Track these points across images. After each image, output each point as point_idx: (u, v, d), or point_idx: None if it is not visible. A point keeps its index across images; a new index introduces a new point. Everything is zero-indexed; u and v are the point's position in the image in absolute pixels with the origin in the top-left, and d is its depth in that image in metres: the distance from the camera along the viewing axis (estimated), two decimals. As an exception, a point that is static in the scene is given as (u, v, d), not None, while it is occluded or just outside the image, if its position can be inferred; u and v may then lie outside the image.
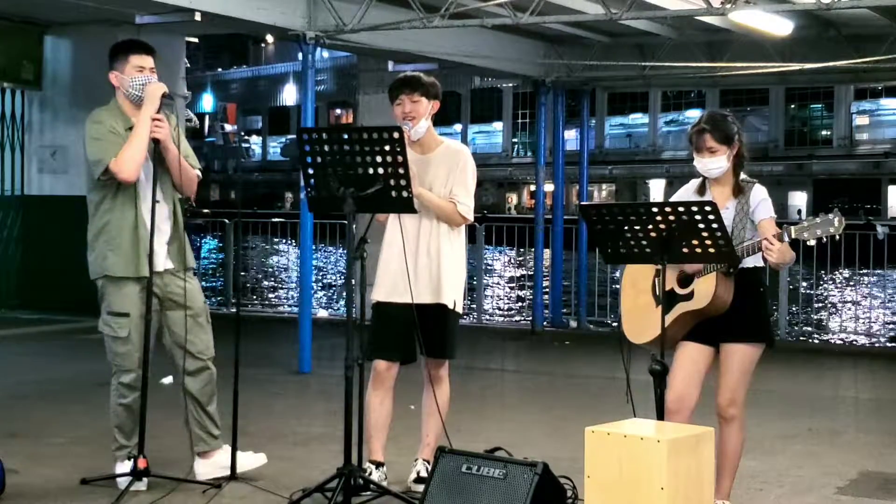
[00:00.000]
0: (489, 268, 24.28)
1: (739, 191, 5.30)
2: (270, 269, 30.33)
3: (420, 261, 5.90)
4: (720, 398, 5.31)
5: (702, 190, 5.39)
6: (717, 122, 5.29)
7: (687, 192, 5.45)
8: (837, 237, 5.09)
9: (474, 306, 15.52)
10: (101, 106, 6.00)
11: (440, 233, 5.95)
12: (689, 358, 5.30)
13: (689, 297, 5.21)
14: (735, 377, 5.28)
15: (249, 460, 6.08)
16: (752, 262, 5.24)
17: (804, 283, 15.55)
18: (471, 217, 6.00)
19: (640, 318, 5.39)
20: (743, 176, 5.35)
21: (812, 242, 5.03)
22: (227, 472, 5.98)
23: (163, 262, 5.90)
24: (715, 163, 5.27)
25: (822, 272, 19.26)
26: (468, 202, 5.95)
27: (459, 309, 6.05)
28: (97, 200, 5.91)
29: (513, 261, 26.98)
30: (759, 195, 5.29)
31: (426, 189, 5.86)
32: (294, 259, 28.12)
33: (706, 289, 5.16)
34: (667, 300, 5.19)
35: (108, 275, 5.86)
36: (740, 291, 5.20)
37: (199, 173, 6.07)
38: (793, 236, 5.03)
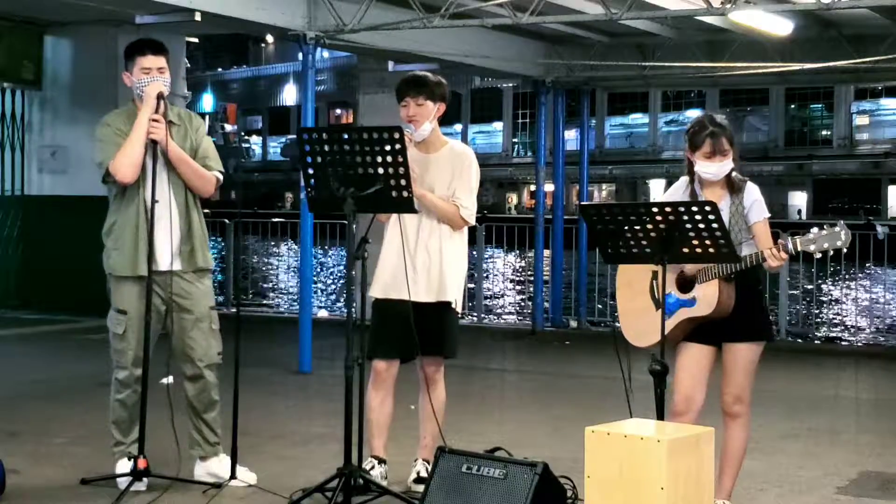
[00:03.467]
0: (490, 266, 24.25)
1: (732, 190, 5.30)
2: (271, 269, 30.31)
3: (419, 259, 5.89)
4: (727, 396, 5.31)
5: (691, 191, 5.36)
6: (723, 126, 5.27)
7: (677, 193, 5.41)
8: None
9: (474, 305, 15.51)
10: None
11: (440, 231, 5.94)
12: (694, 359, 5.29)
13: (692, 302, 5.20)
14: (741, 375, 5.29)
15: (242, 474, 5.98)
16: (749, 261, 5.24)
17: (804, 283, 15.52)
18: (472, 220, 5.98)
19: (638, 320, 5.37)
20: (733, 174, 5.34)
21: (818, 255, 5.04)
22: (219, 481, 5.92)
23: (168, 262, 5.88)
24: (727, 165, 5.25)
25: (822, 272, 19.26)
26: (470, 205, 5.94)
27: (459, 308, 6.05)
28: (110, 200, 5.99)
29: (513, 261, 26.96)
30: (753, 195, 5.29)
31: (428, 189, 5.86)
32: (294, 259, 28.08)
33: (710, 296, 5.14)
34: (666, 303, 5.18)
35: (111, 273, 5.93)
36: (739, 292, 5.19)
37: (219, 176, 6.02)
38: (799, 249, 5.03)
